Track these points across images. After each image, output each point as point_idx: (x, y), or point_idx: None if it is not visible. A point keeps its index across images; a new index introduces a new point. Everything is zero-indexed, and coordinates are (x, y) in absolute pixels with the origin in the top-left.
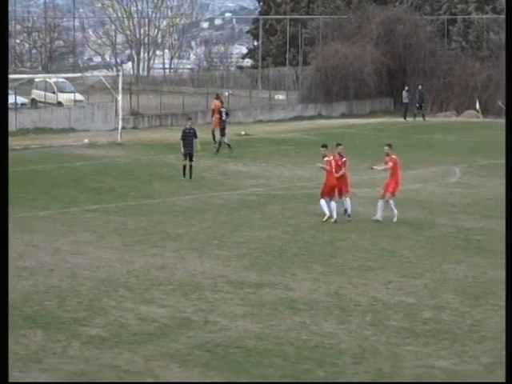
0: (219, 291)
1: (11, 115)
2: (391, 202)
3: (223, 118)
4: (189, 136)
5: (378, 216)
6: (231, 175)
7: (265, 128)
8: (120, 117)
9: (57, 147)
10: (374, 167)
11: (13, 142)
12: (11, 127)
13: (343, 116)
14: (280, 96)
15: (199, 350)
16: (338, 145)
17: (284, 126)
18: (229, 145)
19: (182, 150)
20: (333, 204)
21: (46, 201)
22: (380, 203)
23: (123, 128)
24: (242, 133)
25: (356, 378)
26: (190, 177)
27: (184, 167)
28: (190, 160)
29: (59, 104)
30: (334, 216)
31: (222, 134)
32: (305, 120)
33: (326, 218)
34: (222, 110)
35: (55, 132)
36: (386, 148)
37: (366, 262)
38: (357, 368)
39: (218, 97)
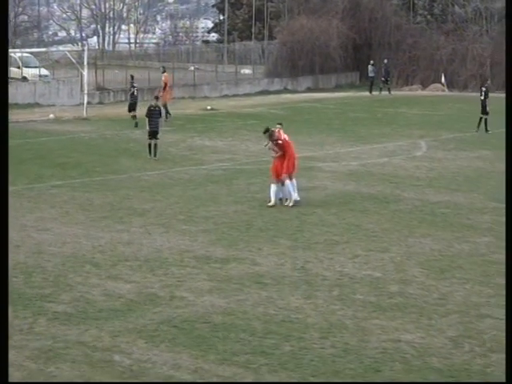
0: (186, 266)
1: None
2: (288, 182)
3: (135, 94)
4: (154, 114)
5: (295, 197)
6: (197, 150)
7: (231, 102)
8: (85, 92)
9: (22, 122)
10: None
11: None
12: None
13: (309, 90)
14: (246, 70)
15: (166, 326)
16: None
17: (250, 101)
18: (134, 116)
19: (148, 127)
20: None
21: (12, 176)
22: (289, 186)
23: (89, 103)
24: (208, 107)
25: (323, 352)
26: (155, 155)
27: (149, 145)
28: (155, 138)
29: (24, 79)
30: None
31: (134, 109)
32: (271, 94)
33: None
34: (134, 85)
35: (20, 107)
36: (278, 126)
37: (333, 236)
38: (323, 342)
39: (164, 70)
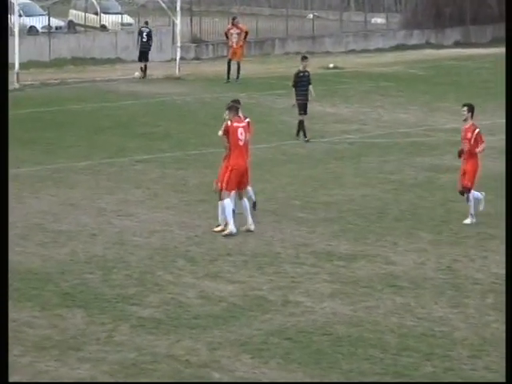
0: (302, 264)
1: (44, 41)
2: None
3: (144, 40)
4: (303, 81)
5: (231, 228)
6: (317, 119)
7: (359, 60)
8: (178, 45)
9: (100, 82)
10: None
11: (45, 76)
12: (43, 56)
13: (457, 45)
14: (378, 20)
15: (277, 338)
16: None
17: (383, 58)
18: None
19: (295, 100)
20: (245, 203)
21: (87, 149)
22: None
23: (182, 59)
24: (331, 65)
25: (474, 375)
26: (305, 136)
27: (300, 123)
28: (305, 113)
29: (103, 28)
30: (232, 227)
31: (146, 58)
32: (409, 50)
33: (219, 228)
34: (142, 29)
35: (98, 63)
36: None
37: (487, 229)
38: (475, 363)
39: (238, 21)
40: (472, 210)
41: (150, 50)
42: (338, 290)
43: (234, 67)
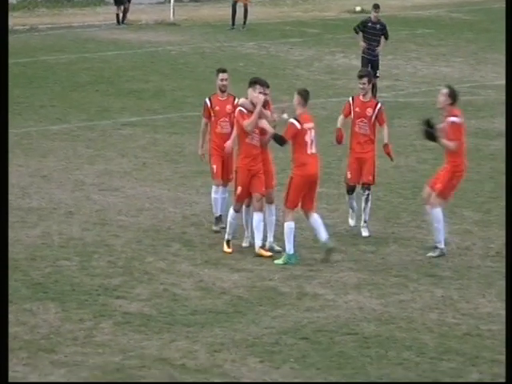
0: (321, 248)
1: None
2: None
3: None
4: (370, 33)
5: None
6: (340, 73)
7: (391, 1)
8: None
9: (78, 28)
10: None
11: (11, 20)
12: None
13: None
14: None
15: (291, 337)
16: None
17: None
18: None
19: (362, 41)
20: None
21: (62, 109)
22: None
23: (178, 0)
24: (357, 9)
25: None
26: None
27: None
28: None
29: None
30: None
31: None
32: None
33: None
34: None
35: (76, 5)
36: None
37: None
38: None
39: None
40: (367, 216)
41: None
42: (365, 280)
43: (240, 10)
